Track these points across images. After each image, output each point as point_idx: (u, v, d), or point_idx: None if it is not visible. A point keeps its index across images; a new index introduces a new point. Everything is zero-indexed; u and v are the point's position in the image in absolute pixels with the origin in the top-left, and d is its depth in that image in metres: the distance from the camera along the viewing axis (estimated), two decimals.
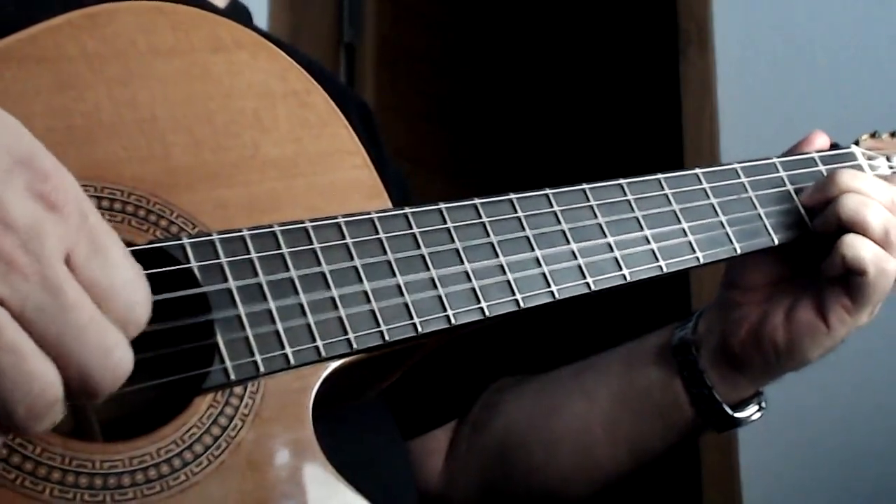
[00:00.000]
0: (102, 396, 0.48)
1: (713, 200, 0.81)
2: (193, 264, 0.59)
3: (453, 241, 0.69)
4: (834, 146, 0.92)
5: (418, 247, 0.67)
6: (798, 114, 2.05)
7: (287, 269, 0.62)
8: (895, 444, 1.85)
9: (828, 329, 0.82)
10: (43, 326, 0.46)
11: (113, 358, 0.47)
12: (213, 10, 0.82)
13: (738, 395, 0.87)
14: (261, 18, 2.31)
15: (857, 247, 0.79)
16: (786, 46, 2.09)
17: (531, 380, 0.98)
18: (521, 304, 0.69)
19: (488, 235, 0.70)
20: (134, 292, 0.49)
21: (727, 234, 0.80)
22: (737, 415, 0.87)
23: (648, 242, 0.76)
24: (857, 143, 0.95)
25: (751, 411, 0.88)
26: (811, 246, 0.84)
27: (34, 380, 0.45)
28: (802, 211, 0.84)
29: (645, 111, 3.51)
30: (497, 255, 0.70)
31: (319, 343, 0.61)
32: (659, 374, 0.89)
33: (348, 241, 0.65)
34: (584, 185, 0.76)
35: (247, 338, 0.59)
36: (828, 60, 2.04)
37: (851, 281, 0.80)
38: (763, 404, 0.89)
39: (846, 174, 0.83)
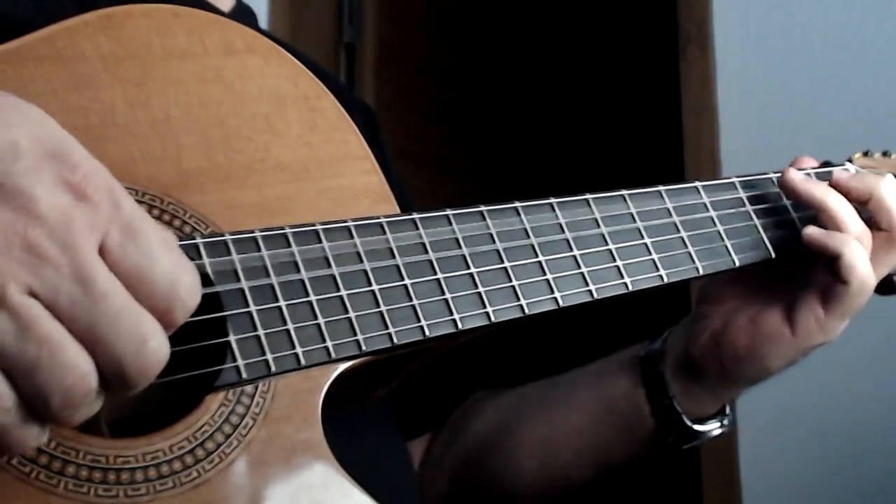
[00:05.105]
0: (139, 386, 0.48)
1: (712, 213, 0.82)
2: (206, 262, 0.60)
3: (460, 246, 0.70)
4: (826, 164, 0.94)
5: (426, 251, 0.68)
6: (798, 114, 2.06)
7: (298, 271, 0.63)
8: (895, 444, 1.86)
9: (793, 335, 0.81)
10: (75, 316, 0.46)
11: (148, 347, 0.47)
12: (219, 14, 0.83)
13: (699, 407, 0.87)
14: (261, 18, 2.30)
15: (857, 254, 0.79)
16: (786, 46, 2.10)
17: (509, 391, 0.99)
18: (526, 310, 0.70)
19: (494, 242, 0.71)
20: (174, 275, 0.49)
21: (726, 246, 0.81)
22: (696, 427, 0.87)
23: (650, 253, 0.77)
24: (850, 160, 0.96)
25: (712, 426, 0.88)
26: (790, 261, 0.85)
27: (69, 369, 0.45)
28: (800, 227, 0.85)
29: (645, 111, 3.51)
30: (502, 261, 0.71)
31: (329, 344, 0.62)
32: (624, 384, 0.89)
33: (358, 244, 0.66)
34: (588, 196, 0.77)
35: (258, 337, 0.60)
36: (828, 60, 2.05)
37: (831, 289, 0.80)
38: (725, 422, 0.89)
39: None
